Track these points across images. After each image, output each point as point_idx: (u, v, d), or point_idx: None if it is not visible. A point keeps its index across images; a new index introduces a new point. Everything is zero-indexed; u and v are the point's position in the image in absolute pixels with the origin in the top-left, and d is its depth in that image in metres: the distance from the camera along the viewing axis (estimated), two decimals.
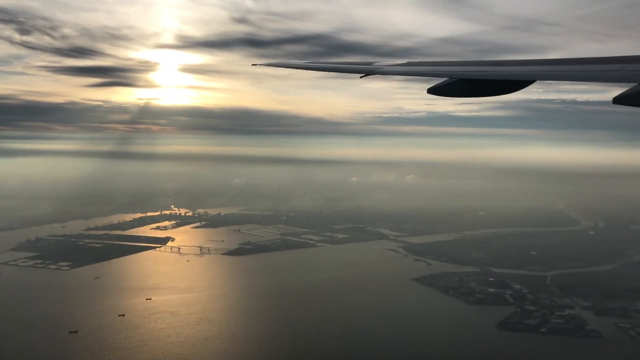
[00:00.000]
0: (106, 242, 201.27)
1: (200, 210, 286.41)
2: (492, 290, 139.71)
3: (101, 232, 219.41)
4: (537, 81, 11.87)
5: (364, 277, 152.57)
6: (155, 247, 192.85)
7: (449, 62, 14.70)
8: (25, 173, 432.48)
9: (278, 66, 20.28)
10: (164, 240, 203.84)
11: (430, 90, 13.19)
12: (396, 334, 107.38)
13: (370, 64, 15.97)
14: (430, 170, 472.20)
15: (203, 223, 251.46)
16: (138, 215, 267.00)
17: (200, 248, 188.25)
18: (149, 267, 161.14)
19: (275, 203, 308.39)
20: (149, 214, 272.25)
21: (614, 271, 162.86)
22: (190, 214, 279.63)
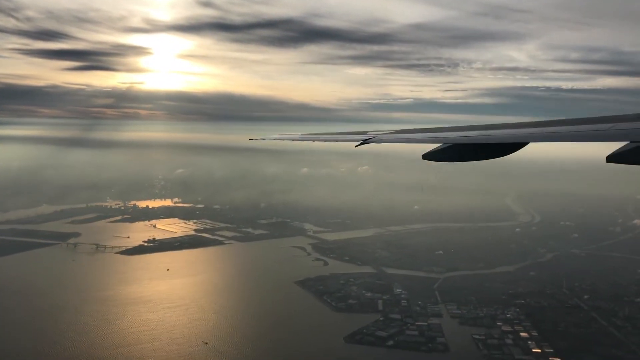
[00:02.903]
0: (6, 238, 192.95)
1: (131, 203, 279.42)
2: (369, 295, 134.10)
3: (8, 227, 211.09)
4: (530, 143, 12.01)
5: (243, 280, 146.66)
6: (53, 244, 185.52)
7: (441, 128, 15.15)
8: None
9: (275, 139, 20.35)
10: (67, 236, 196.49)
11: (425, 156, 13.00)
12: (231, 346, 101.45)
13: (364, 133, 16.25)
14: (388, 161, 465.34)
15: (124, 217, 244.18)
16: (63, 207, 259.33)
17: (97, 245, 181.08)
18: (25, 267, 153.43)
19: (213, 195, 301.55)
20: (75, 206, 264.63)
21: (512, 273, 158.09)
22: (118, 205, 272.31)
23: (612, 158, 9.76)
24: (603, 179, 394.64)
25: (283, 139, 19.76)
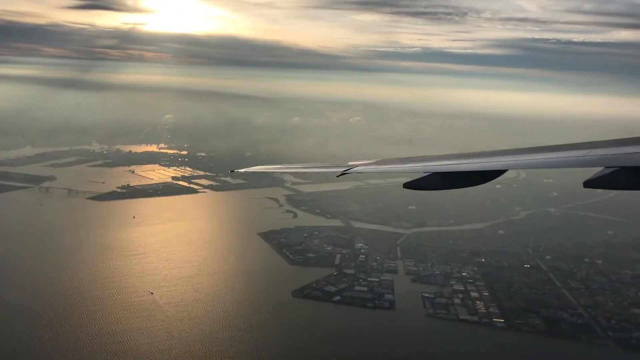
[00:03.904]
0: None
1: (116, 147, 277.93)
2: (329, 249, 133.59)
3: None
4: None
5: (207, 230, 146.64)
6: (26, 187, 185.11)
7: (420, 157, 15.47)
8: None
9: (257, 171, 20.81)
10: (42, 180, 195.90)
11: (407, 185, 13.22)
12: (176, 296, 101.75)
13: (345, 163, 16.56)
14: (383, 112, 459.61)
15: (106, 161, 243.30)
16: (46, 150, 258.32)
17: (69, 190, 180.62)
18: None
19: (199, 142, 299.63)
20: (59, 149, 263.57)
21: (480, 230, 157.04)
22: (102, 150, 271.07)
23: (588, 183, 10.15)
24: (602, 135, 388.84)
25: (266, 171, 20.61)
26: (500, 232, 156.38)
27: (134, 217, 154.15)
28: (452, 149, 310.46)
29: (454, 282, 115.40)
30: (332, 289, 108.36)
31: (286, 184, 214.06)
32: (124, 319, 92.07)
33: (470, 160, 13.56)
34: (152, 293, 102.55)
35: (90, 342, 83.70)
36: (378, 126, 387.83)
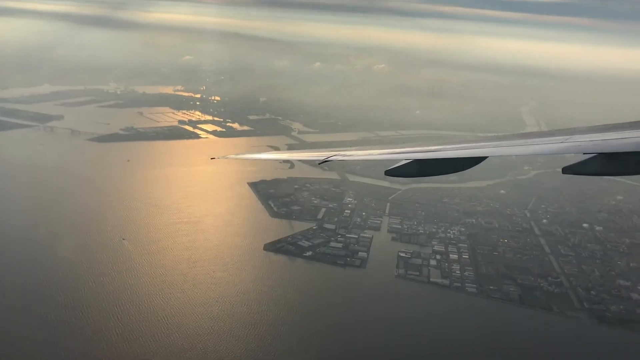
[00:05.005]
0: None
1: (130, 88, 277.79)
2: (316, 202, 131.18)
3: None
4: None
5: (197, 178, 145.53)
6: (32, 126, 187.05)
7: (403, 144, 16.66)
8: None
9: (237, 158, 28.67)
10: (50, 119, 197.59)
11: (388, 172, 13.46)
12: (147, 243, 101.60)
13: (328, 149, 16.88)
14: (410, 60, 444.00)
15: (117, 102, 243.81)
16: (61, 88, 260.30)
17: (72, 130, 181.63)
18: None
19: (216, 86, 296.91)
20: (74, 87, 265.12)
21: (481, 189, 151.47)
22: (116, 90, 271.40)
23: (568, 170, 10.30)
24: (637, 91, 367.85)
25: (246, 158, 26.39)
26: (502, 191, 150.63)
27: (128, 161, 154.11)
28: (469, 104, 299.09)
29: (435, 243, 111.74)
30: (307, 243, 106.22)
31: (292, 133, 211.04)
32: (88, 264, 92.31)
33: (452, 147, 13.75)
34: (124, 239, 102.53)
35: (54, 285, 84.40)
36: (401, 75, 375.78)
